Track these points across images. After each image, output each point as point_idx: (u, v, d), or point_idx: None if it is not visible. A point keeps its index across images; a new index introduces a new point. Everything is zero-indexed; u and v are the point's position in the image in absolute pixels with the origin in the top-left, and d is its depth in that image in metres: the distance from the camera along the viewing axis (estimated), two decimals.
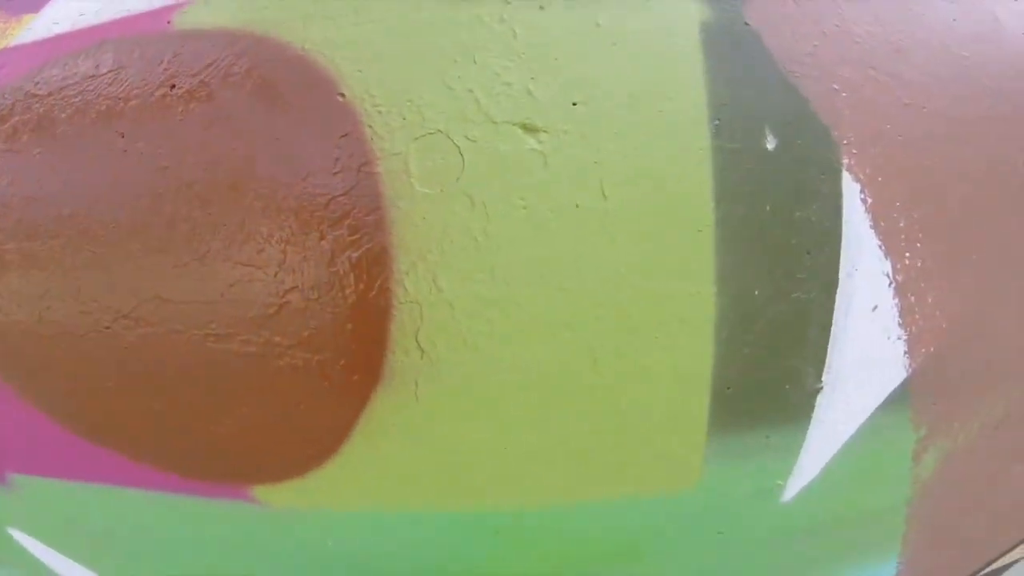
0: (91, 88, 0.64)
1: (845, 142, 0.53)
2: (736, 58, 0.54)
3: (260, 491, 0.64)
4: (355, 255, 0.59)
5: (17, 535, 0.75)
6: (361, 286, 0.59)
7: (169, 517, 0.68)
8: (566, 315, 0.57)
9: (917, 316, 0.55)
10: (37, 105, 0.66)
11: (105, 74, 0.64)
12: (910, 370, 0.56)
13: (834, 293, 0.55)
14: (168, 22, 0.60)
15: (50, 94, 0.66)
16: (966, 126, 0.55)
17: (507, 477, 0.60)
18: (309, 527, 0.66)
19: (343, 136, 0.59)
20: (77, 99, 0.65)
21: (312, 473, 0.62)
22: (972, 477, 0.60)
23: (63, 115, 0.65)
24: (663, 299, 0.56)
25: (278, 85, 0.59)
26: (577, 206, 0.56)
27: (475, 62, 0.56)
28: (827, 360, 0.56)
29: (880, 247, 0.54)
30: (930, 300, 0.55)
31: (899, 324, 0.55)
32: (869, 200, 0.54)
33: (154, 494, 0.68)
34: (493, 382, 0.59)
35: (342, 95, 0.58)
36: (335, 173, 0.59)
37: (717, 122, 0.54)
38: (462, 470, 0.60)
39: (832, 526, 0.59)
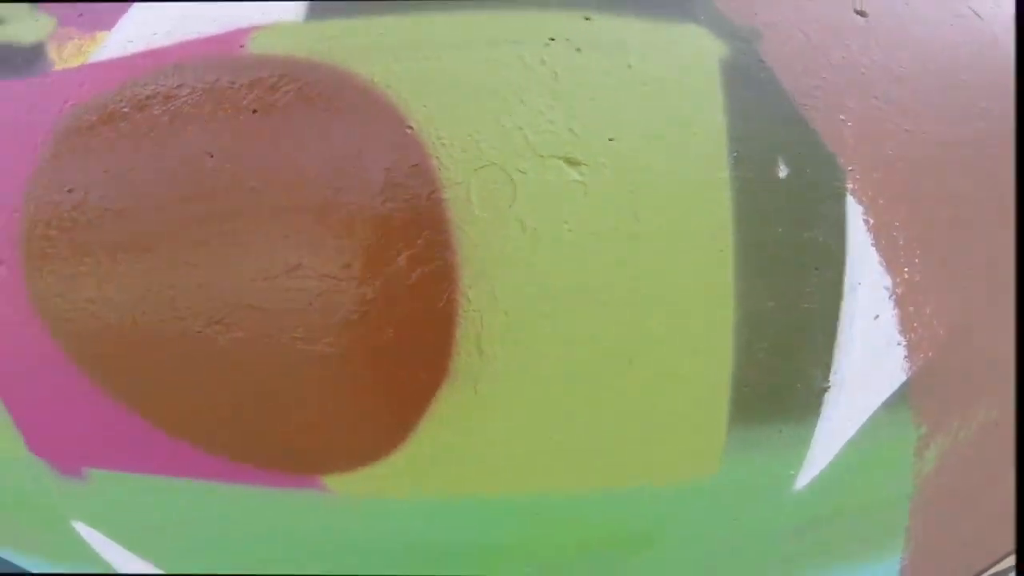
0: (174, 108, 0.77)
1: (850, 168, 0.65)
2: (752, 94, 0.66)
3: (331, 480, 0.77)
4: (427, 270, 0.72)
5: (81, 528, 0.88)
6: (432, 297, 0.72)
7: (239, 508, 0.81)
8: (605, 324, 0.70)
9: (916, 325, 0.66)
10: (123, 123, 0.79)
11: (187, 95, 0.77)
12: (910, 373, 0.67)
13: (839, 305, 0.66)
14: (241, 46, 0.73)
15: (135, 110, 0.79)
16: (959, 148, 0.66)
17: (552, 466, 0.73)
18: (373, 513, 0.79)
19: (413, 166, 0.72)
20: (164, 118, 0.78)
21: (380, 462, 0.75)
22: (972, 475, 0.71)
23: (150, 133, 0.78)
24: (689, 309, 0.68)
25: (350, 115, 0.72)
26: (614, 229, 0.69)
27: (522, 102, 0.69)
28: (833, 363, 0.67)
29: (881, 263, 0.66)
30: (928, 311, 0.66)
31: (899, 332, 0.67)
32: (871, 221, 0.65)
33: (227, 485, 0.81)
34: (542, 381, 0.71)
35: (410, 128, 0.71)
36: (407, 200, 0.72)
37: (735, 154, 0.66)
38: (513, 459, 0.73)
39: (839, 517, 0.70)
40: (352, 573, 0.80)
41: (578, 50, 0.68)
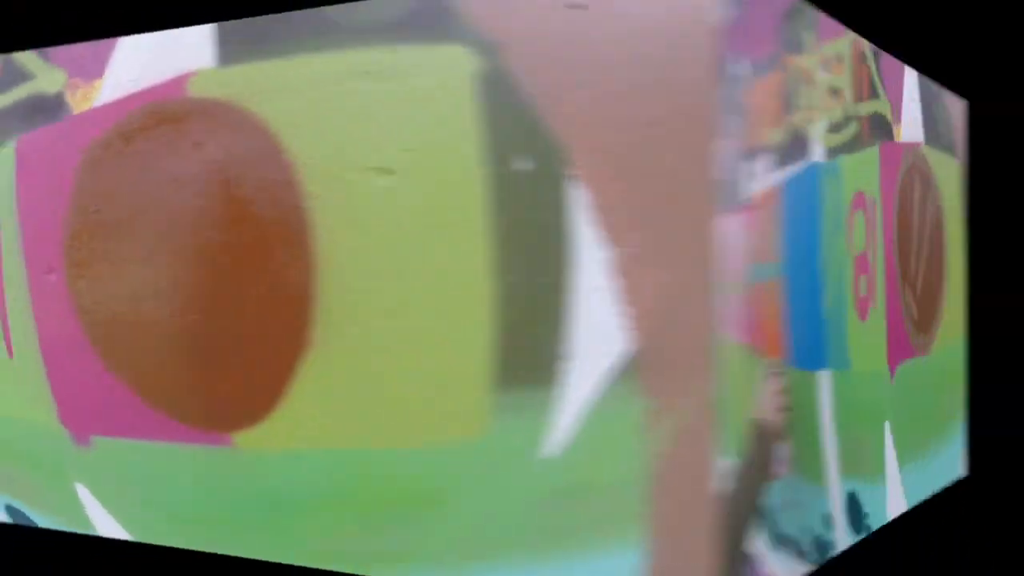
0: (151, 140, 1.08)
1: (577, 156, 0.79)
2: (498, 99, 0.84)
3: (237, 436, 1.00)
4: (297, 263, 0.94)
5: (80, 490, 1.15)
6: (301, 284, 0.94)
7: (181, 465, 1.05)
8: (409, 299, 0.88)
9: (637, 298, 0.77)
10: (118, 156, 1.11)
11: (158, 131, 1.07)
12: (635, 344, 0.78)
13: (569, 277, 0.79)
14: (184, 90, 1.01)
15: (124, 144, 1.10)
16: (666, 124, 0.76)
17: (371, 424, 0.90)
18: (259, 466, 1.00)
19: (286, 181, 0.95)
20: (144, 148, 1.08)
21: (265, 420, 0.97)
22: (699, 462, 0.77)
23: (136, 161, 1.09)
24: (463, 286, 0.84)
25: (248, 144, 0.98)
26: (415, 223, 0.87)
27: (351, 126, 0.90)
28: (567, 334, 0.79)
29: (602, 239, 0.78)
30: (648, 284, 0.77)
31: (621, 304, 0.77)
32: (593, 201, 0.78)
33: (175, 446, 1.06)
34: (370, 349, 0.91)
35: (286, 153, 0.95)
36: (283, 208, 0.95)
37: (489, 153, 0.82)
38: (348, 417, 0.92)
39: (584, 492, 0.79)
40: (246, 521, 1.01)
41: (384, 79, 0.88)
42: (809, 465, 1.06)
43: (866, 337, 1.15)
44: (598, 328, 0.79)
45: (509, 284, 0.82)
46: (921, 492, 1.37)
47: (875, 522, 1.21)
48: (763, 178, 0.85)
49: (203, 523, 1.04)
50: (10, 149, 1.18)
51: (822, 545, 1.11)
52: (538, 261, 0.81)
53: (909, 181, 1.32)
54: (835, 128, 1.06)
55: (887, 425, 1.22)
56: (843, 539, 1.12)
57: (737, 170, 0.78)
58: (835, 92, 1.07)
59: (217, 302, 1.00)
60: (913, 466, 1.34)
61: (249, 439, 1.00)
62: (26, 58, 1.17)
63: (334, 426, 0.93)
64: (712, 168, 0.75)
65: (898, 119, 1.28)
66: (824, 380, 1.05)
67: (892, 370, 1.23)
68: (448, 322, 0.86)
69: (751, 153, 0.81)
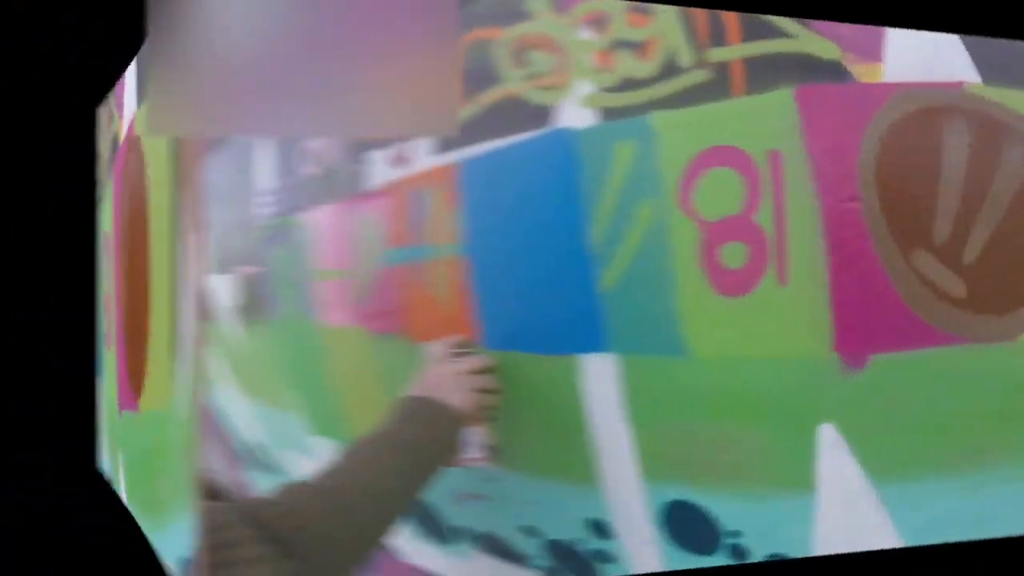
0: (127, 162, 1.37)
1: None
2: None
3: (139, 402, 1.25)
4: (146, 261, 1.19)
5: (120, 458, 1.49)
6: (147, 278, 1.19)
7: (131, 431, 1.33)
8: (162, 285, 1.07)
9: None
10: (126, 174, 1.42)
11: (133, 156, 1.35)
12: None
13: None
14: (132, 128, 1.30)
15: (122, 163, 1.40)
16: None
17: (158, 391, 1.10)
18: (140, 427, 1.24)
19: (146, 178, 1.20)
20: (127, 167, 1.37)
21: (146, 388, 1.21)
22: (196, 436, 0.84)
23: (124, 177, 1.38)
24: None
25: (142, 167, 1.24)
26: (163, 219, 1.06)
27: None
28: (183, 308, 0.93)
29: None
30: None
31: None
32: None
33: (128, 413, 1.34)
34: (159, 321, 1.10)
35: (148, 167, 1.20)
36: (146, 214, 1.20)
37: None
38: (157, 383, 1.12)
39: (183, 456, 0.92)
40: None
41: None
42: (550, 460, 0.96)
43: (748, 318, 0.98)
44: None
45: None
46: (956, 531, 1.06)
47: (771, 547, 1.01)
48: (413, 163, 0.89)
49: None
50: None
51: (581, 555, 0.98)
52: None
53: (925, 125, 1.06)
54: (631, 85, 0.98)
55: (825, 428, 1.00)
56: (650, 555, 1.00)
57: (353, 160, 0.85)
58: (630, 47, 0.98)
59: (131, 296, 1.28)
60: (916, 489, 1.04)
61: (141, 403, 1.25)
62: (111, 98, 1.57)
63: (152, 393, 1.15)
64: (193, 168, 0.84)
65: (872, 57, 1.04)
66: (599, 365, 0.96)
67: (850, 360, 0.99)
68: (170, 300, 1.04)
69: (384, 141, 0.86)
